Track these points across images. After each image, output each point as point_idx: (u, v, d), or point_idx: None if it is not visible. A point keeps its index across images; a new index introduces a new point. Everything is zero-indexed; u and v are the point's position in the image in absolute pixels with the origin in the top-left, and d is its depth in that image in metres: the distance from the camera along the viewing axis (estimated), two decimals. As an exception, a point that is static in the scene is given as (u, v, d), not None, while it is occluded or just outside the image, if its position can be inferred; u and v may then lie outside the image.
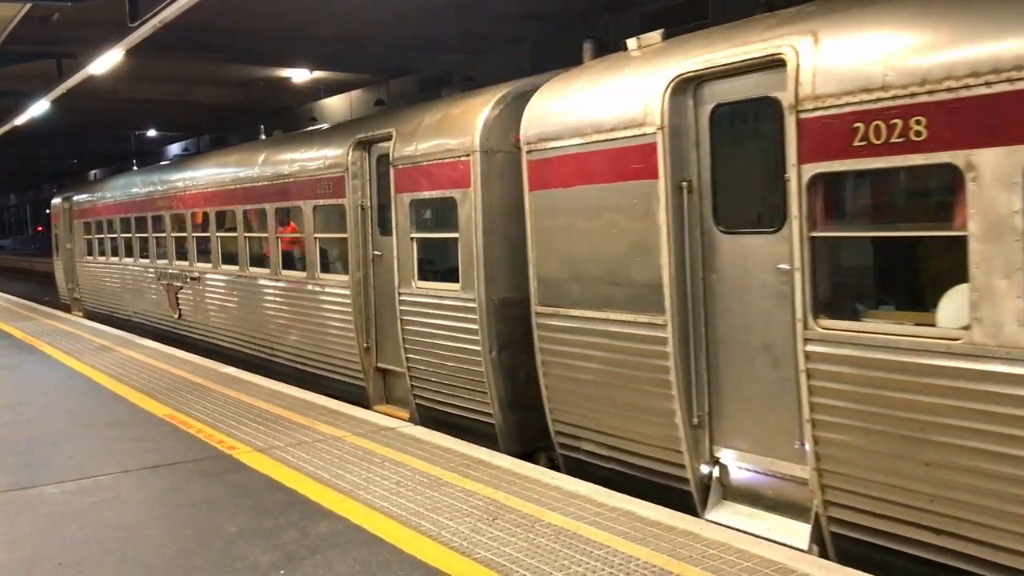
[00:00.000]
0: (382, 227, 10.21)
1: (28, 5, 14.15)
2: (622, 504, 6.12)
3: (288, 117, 27.78)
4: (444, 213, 9.01)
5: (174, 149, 40.97)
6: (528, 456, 7.97)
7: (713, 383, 6.52)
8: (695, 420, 6.54)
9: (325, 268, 11.45)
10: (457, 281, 8.61)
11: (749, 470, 6.42)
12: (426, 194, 9.08)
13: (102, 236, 21.45)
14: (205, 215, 15.23)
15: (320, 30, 18.84)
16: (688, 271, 6.51)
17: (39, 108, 20.12)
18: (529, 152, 7.65)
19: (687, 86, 6.43)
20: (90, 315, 22.18)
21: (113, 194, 20.80)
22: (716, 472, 6.59)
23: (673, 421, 6.58)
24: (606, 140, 6.88)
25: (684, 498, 6.60)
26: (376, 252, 10.35)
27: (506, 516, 5.96)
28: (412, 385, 9.58)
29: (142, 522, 6.22)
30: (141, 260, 18.64)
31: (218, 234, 14.69)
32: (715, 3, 15.77)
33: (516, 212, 7.97)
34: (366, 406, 10.11)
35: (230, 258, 14.41)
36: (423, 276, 9.42)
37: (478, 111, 8.43)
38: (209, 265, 15.07)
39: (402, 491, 6.57)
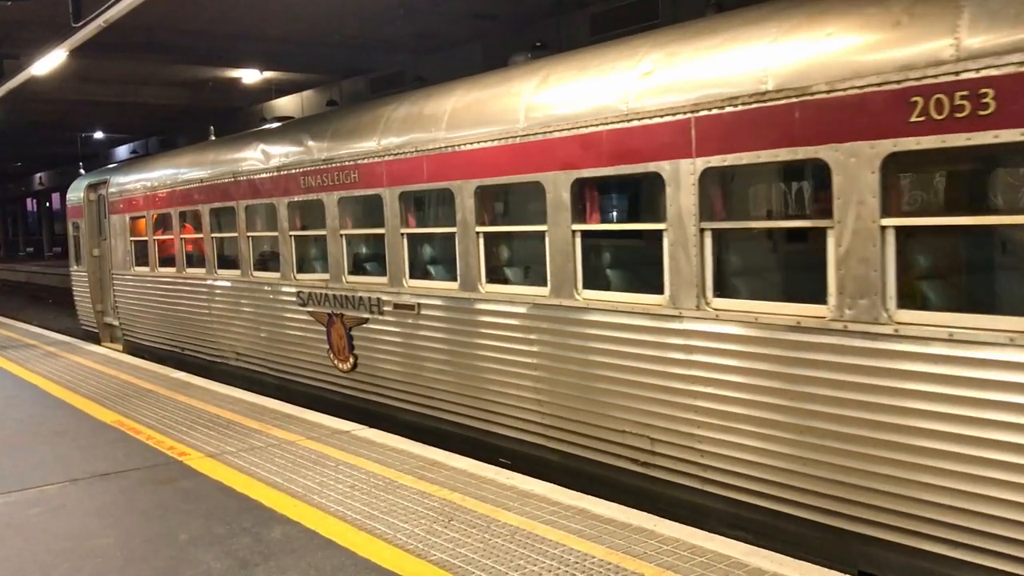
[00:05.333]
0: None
1: (-35, 5, 13.80)
2: (576, 502, 6.14)
3: (239, 118, 27.46)
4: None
5: (122, 152, 40.26)
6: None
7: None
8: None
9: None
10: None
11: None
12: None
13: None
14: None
15: (270, 30, 18.63)
16: None
17: (-20, 110, 19.61)
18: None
19: None
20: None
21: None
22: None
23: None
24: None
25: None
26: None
27: (462, 517, 5.95)
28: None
29: (90, 532, 6.10)
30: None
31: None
32: (665, 4, 15.89)
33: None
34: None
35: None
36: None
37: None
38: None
39: (357, 494, 6.52)
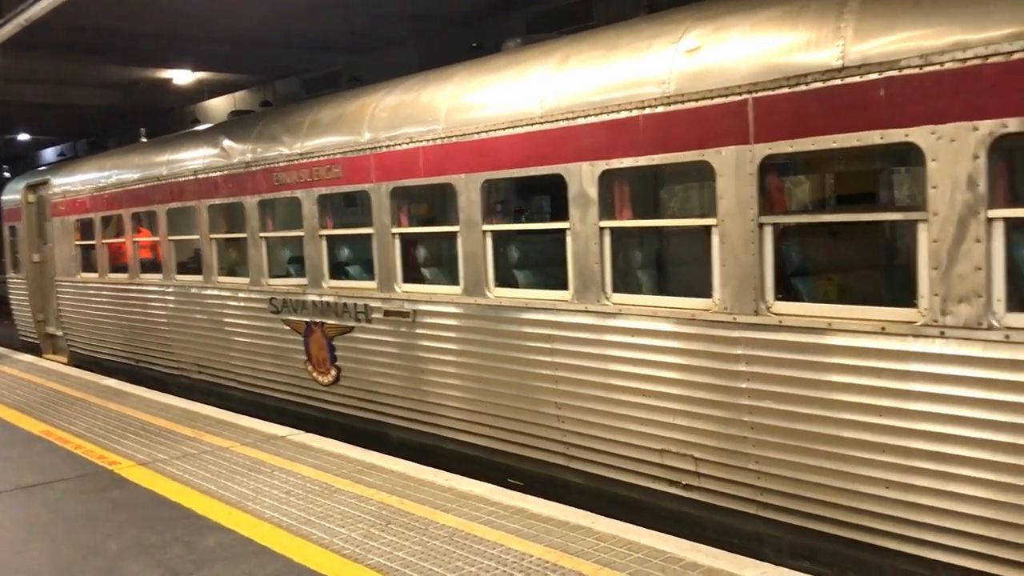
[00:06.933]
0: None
1: None
2: (515, 502, 6.15)
3: (171, 119, 26.94)
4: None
5: (49, 154, 39.18)
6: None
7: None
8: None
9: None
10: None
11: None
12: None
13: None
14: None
15: (202, 29, 18.29)
16: None
17: None
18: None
19: None
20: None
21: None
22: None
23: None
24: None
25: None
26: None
27: (400, 520, 5.92)
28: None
29: (16, 544, 5.92)
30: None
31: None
32: (600, 6, 16.01)
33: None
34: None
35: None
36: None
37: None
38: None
39: (293, 500, 6.44)
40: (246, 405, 10.73)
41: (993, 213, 4.52)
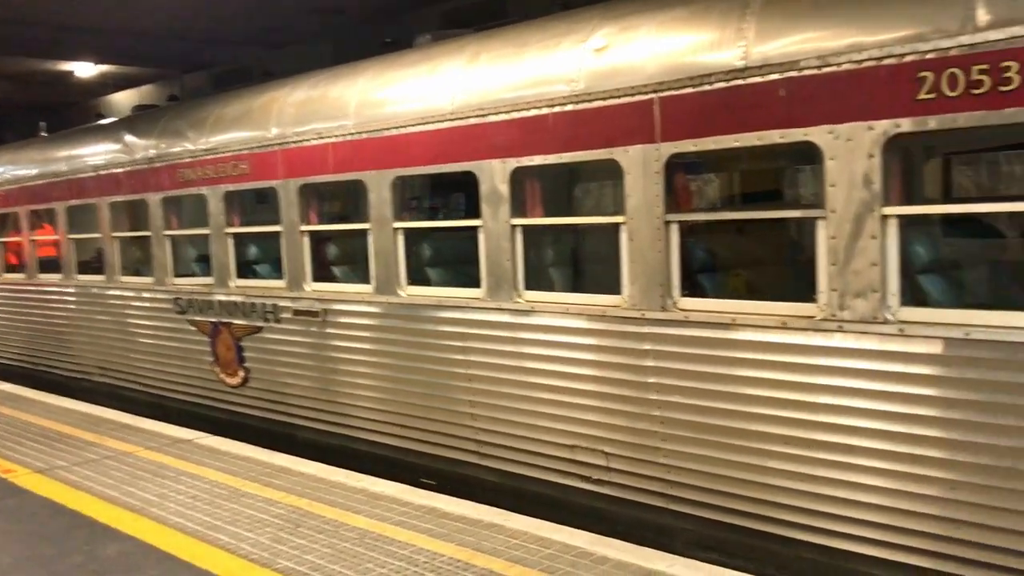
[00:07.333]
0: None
1: None
2: (427, 501, 6.12)
3: (72, 113, 26.01)
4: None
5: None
6: None
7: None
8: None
9: None
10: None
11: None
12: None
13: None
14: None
15: (105, 20, 17.70)
16: None
17: None
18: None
19: None
20: None
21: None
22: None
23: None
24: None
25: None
26: None
27: (309, 523, 5.82)
28: None
29: (-101, 560, 5.64)
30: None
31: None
32: (514, 2, 16.04)
33: None
34: None
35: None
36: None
37: None
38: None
39: (199, 505, 6.27)
40: (152, 408, 10.43)
41: (888, 210, 4.67)
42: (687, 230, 5.84)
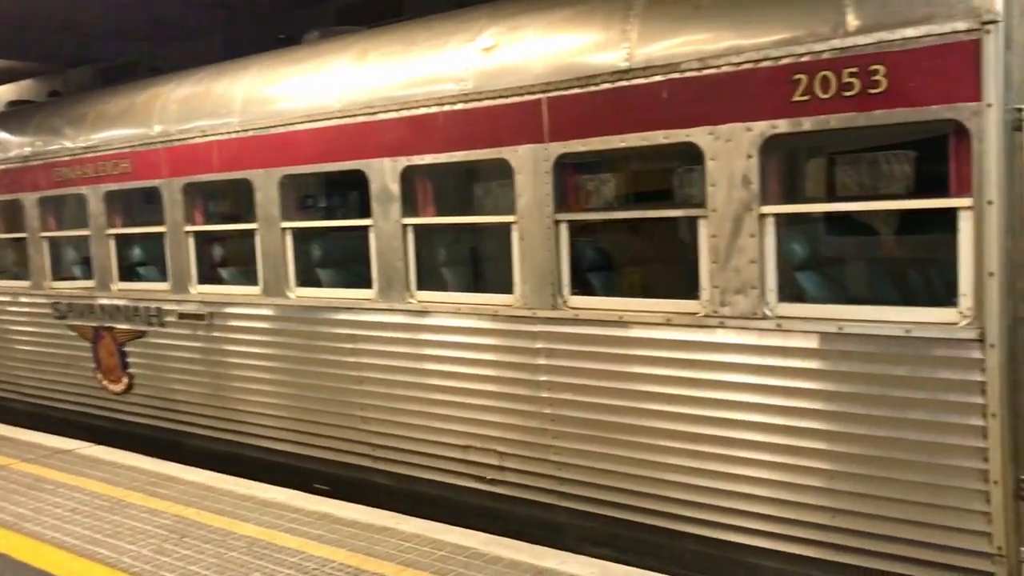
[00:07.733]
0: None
1: None
2: (319, 507, 6.02)
3: (-54, 108, 24.68)
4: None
5: None
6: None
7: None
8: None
9: None
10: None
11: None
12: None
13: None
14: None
15: (-22, 11, 16.84)
16: None
17: None
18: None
19: None
20: None
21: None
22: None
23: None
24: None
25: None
26: None
27: (195, 533, 5.65)
28: None
29: None
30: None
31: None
32: (410, 0, 15.92)
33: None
34: None
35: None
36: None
37: None
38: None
39: (78, 518, 6.02)
40: (31, 418, 9.97)
41: (765, 209, 4.80)
42: (579, 229, 5.89)
